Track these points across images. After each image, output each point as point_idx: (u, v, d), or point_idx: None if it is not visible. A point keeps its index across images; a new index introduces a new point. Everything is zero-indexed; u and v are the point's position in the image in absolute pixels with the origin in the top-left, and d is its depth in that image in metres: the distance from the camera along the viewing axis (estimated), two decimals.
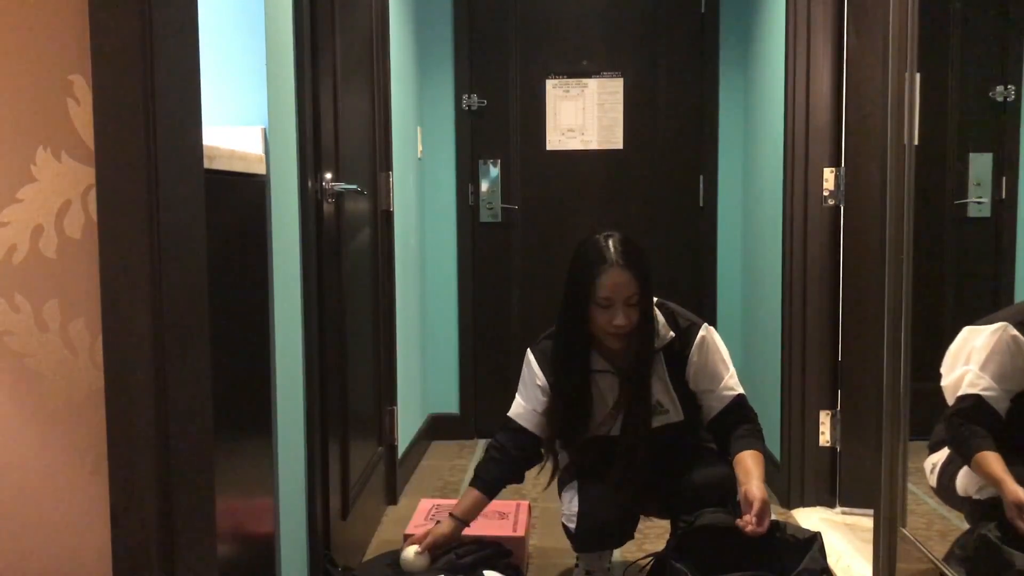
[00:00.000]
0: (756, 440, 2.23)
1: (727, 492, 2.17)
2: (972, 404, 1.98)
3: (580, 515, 2.23)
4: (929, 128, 2.30)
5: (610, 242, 2.17)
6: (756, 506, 2.02)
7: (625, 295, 2.13)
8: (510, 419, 2.32)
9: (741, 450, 2.19)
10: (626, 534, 2.33)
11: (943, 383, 2.07)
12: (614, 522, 2.26)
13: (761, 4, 3.45)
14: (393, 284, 3.11)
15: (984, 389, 1.97)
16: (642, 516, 2.38)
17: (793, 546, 2.06)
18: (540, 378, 2.29)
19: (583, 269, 2.18)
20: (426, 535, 2.24)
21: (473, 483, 2.30)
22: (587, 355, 2.25)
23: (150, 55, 1.02)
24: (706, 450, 2.33)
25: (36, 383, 1.08)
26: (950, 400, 2.04)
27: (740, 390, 2.28)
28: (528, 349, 2.35)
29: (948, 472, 2.10)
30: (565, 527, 2.29)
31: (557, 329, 2.29)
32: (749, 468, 2.13)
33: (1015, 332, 1.97)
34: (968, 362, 2.01)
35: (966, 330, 2.06)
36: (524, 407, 2.31)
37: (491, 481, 2.29)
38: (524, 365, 2.35)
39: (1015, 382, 1.97)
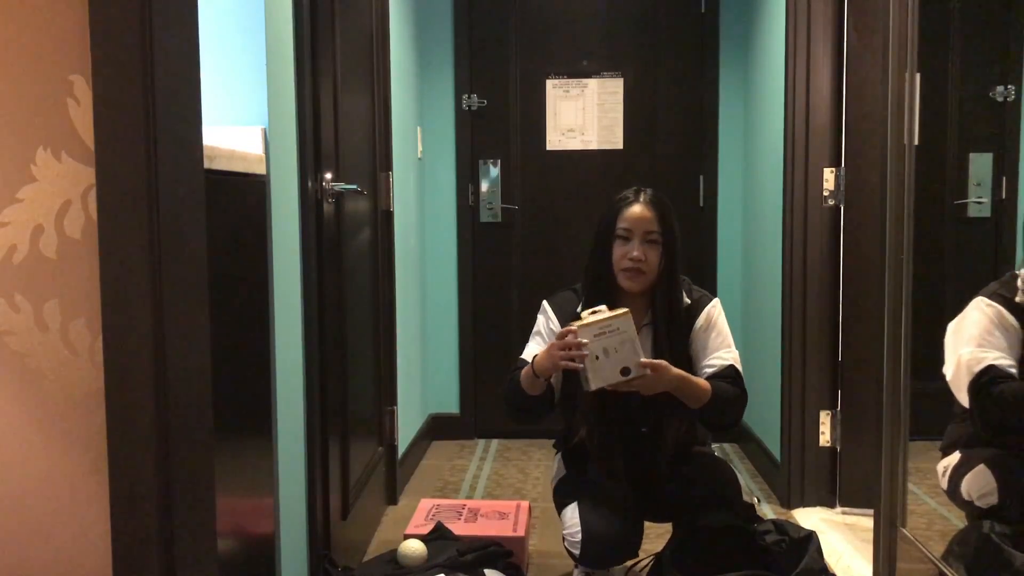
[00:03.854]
0: (724, 387, 2.13)
1: (731, 498, 2.16)
2: (991, 375, 1.94)
3: (585, 538, 2.13)
4: (929, 128, 2.30)
5: (639, 191, 2.26)
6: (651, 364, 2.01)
7: (644, 229, 2.17)
8: (523, 360, 2.19)
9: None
10: (633, 549, 2.23)
11: (948, 379, 2.05)
12: (620, 540, 2.18)
13: (761, 4, 3.45)
14: (393, 284, 3.11)
15: (995, 359, 1.95)
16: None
17: (790, 545, 2.06)
18: (555, 323, 2.23)
19: (609, 209, 2.24)
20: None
21: (521, 369, 2.15)
22: (613, 297, 2.18)
23: (150, 55, 1.02)
24: (707, 455, 2.32)
25: (36, 383, 1.08)
26: (959, 395, 2.01)
27: (734, 363, 2.19)
28: (544, 301, 2.31)
29: (957, 475, 2.10)
30: (569, 551, 2.21)
31: (584, 276, 2.27)
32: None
33: (989, 301, 1.99)
34: (961, 347, 2.01)
35: (950, 325, 2.07)
36: (538, 351, 2.17)
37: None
38: (539, 314, 2.29)
39: (1012, 347, 1.97)
